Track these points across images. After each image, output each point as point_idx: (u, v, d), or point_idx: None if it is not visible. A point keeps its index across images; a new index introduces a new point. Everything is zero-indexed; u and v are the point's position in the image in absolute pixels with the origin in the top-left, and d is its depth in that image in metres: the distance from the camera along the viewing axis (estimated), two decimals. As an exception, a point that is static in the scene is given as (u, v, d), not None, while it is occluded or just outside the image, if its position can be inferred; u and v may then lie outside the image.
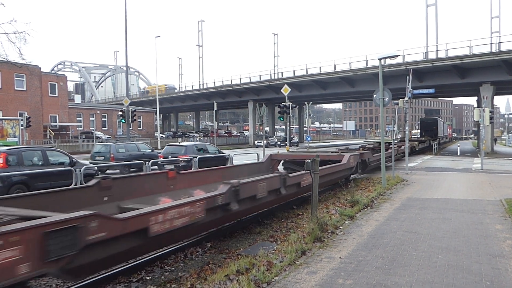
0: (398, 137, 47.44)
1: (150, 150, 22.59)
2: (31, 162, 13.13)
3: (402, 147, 22.89)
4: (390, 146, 23.16)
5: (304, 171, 10.02)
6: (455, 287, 5.00)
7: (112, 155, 19.81)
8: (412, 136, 56.41)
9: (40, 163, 13.23)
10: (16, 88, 38.95)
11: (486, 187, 14.62)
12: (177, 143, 24.42)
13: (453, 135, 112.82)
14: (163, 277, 6.16)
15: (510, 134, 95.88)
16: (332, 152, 17.52)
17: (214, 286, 5.08)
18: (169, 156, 19.15)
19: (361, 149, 23.03)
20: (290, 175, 9.62)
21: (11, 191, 11.24)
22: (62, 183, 11.68)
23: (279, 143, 59.77)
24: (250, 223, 9.40)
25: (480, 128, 25.74)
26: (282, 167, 15.76)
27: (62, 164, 13.74)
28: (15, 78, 38.57)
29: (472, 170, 21.23)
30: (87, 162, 17.55)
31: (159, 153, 21.68)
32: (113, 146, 20.57)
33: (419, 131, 60.90)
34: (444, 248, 6.72)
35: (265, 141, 28.02)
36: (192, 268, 6.50)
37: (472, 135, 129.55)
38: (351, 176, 16.25)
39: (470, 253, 6.45)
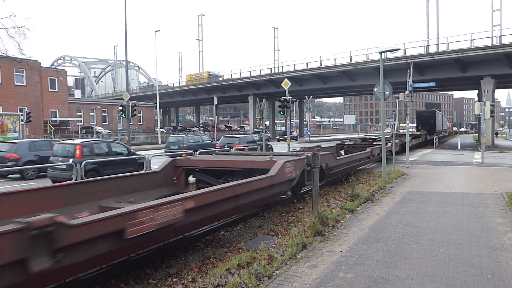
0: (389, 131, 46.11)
1: (210, 141, 28.70)
2: (100, 152, 15.36)
3: (389, 144, 19.62)
4: (374, 143, 21.58)
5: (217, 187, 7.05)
6: (456, 280, 5.01)
7: (185, 145, 24.99)
8: (402, 130, 53.89)
9: (106, 153, 15.54)
10: (16, 83, 38.88)
11: (487, 180, 14.62)
12: (232, 135, 29.04)
13: (454, 128, 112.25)
14: (164, 271, 6.17)
15: (511, 129, 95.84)
16: (258, 157, 10.65)
17: (215, 280, 5.08)
18: (225, 146, 22.87)
19: (337, 146, 21.26)
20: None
21: (87, 176, 12.51)
22: (124, 170, 13.60)
23: (277, 137, 59.03)
24: (251, 217, 9.40)
25: (481, 121, 25.70)
26: (194, 179, 10.47)
27: (121, 154, 15.99)
28: (15, 73, 38.48)
29: (473, 164, 21.22)
30: (138, 152, 19.30)
31: (217, 143, 25.95)
32: (185, 138, 26.37)
33: (414, 124, 57.28)
34: (445, 241, 6.72)
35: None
36: (193, 262, 6.51)
37: (469, 129, 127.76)
38: (296, 191, 11.31)
39: (471, 246, 6.46)
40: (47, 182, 14.63)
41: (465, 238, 6.90)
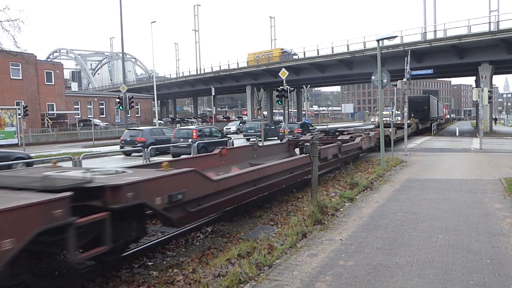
0: (372, 121, 42.87)
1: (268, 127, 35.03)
2: (207, 134, 21.68)
3: (358, 139, 15.93)
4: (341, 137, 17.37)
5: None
6: (455, 266, 5.03)
7: (259, 129, 28.50)
8: (386, 119, 51.68)
9: (210, 135, 21.84)
10: (12, 77, 38.64)
11: (485, 166, 14.66)
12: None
13: (452, 115, 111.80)
14: (165, 262, 6.19)
15: (509, 114, 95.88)
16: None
17: (216, 270, 5.10)
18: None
19: (289, 143, 15.14)
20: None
21: (200, 152, 16.62)
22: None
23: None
24: (251, 206, 9.42)
25: (479, 108, 25.69)
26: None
27: (218, 136, 22.28)
28: (11, 66, 38.22)
29: (471, 150, 21.26)
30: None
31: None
32: (259, 124, 30.41)
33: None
34: (444, 228, 6.75)
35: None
36: (193, 253, 6.53)
37: (465, 116, 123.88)
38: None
39: (470, 232, 6.49)
40: (164, 158, 16.64)
41: (464, 224, 6.93)
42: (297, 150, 14.70)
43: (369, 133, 17.99)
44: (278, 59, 59.05)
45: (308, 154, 8.08)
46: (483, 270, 4.90)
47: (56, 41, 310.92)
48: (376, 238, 6.24)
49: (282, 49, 63.89)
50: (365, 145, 16.52)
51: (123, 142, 22.73)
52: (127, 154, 22.07)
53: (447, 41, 38.30)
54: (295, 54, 58.89)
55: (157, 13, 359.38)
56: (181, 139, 20.09)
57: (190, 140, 19.34)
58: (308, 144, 7.95)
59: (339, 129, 22.34)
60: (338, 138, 17.13)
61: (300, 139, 15.83)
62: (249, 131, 34.44)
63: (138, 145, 21.20)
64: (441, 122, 62.53)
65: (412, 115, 39.51)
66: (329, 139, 16.64)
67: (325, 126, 54.72)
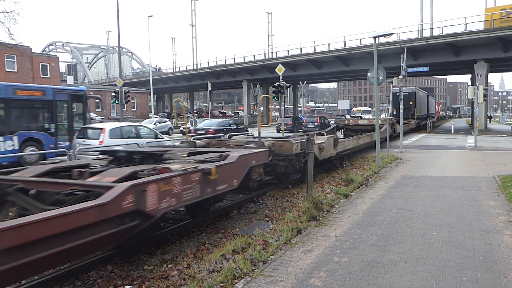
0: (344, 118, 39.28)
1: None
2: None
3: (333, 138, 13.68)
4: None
5: None
6: (449, 263, 5.07)
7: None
8: (356, 116, 50.08)
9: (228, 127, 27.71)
10: (7, 70, 38.39)
11: (480, 164, 14.74)
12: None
13: (448, 113, 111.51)
14: (159, 257, 6.19)
15: (504, 113, 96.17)
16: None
17: (211, 266, 5.11)
18: None
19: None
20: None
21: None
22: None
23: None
24: (246, 202, 9.43)
25: (474, 105, 25.78)
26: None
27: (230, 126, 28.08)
28: (6, 59, 37.99)
29: (466, 148, 21.35)
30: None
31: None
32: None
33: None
34: (438, 224, 6.79)
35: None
36: (188, 248, 6.54)
37: (454, 113, 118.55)
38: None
39: (463, 229, 6.53)
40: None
41: (458, 221, 6.97)
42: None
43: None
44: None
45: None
46: (476, 267, 4.94)
47: (51, 34, 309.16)
48: (371, 235, 6.27)
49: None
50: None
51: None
52: None
53: (443, 39, 38.36)
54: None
55: (154, 7, 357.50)
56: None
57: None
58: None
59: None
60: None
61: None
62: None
63: (206, 134, 24.26)
64: (433, 120, 54.67)
65: (394, 112, 34.40)
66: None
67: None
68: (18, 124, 15.47)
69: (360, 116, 62.99)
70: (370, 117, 47.26)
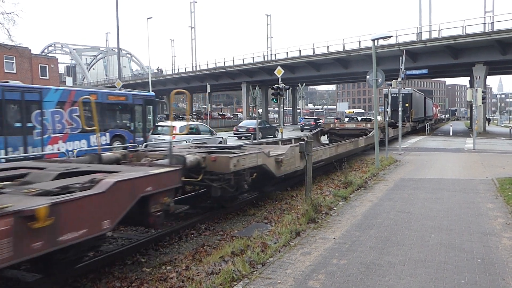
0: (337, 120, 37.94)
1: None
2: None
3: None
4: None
5: None
6: (447, 265, 5.08)
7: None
8: (347, 119, 46.43)
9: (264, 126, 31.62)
10: (6, 71, 38.41)
11: (478, 166, 14.76)
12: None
13: (446, 115, 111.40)
14: (158, 259, 6.18)
15: (502, 115, 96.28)
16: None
17: (209, 268, 5.11)
18: None
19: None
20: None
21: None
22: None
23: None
24: (245, 204, 9.43)
25: (473, 108, 25.82)
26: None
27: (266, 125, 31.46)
28: (5, 60, 38.01)
29: (465, 150, 21.38)
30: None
31: None
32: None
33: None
34: (437, 227, 6.80)
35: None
36: (187, 250, 6.53)
37: (448, 115, 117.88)
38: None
39: (462, 231, 6.54)
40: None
41: (456, 224, 6.98)
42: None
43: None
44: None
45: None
46: (474, 270, 4.94)
47: (51, 35, 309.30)
48: (369, 237, 6.27)
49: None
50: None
51: None
52: None
53: (442, 41, 38.44)
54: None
55: (153, 9, 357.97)
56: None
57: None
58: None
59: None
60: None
61: None
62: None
63: (247, 133, 28.70)
64: (431, 123, 52.28)
65: (390, 115, 30.21)
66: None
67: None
68: (109, 123, 18.51)
69: (355, 117, 58.12)
70: (359, 119, 45.51)
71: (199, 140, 17.48)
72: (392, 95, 27.03)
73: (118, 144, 17.95)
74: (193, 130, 19.24)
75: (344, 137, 20.54)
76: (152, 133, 19.51)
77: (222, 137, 20.75)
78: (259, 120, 31.70)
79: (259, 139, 21.42)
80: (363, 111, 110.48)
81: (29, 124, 15.24)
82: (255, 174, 8.72)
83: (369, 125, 22.24)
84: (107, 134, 18.13)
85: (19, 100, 15.12)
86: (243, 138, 28.52)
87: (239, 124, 34.91)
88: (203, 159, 7.54)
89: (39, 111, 15.56)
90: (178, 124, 19.46)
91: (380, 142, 17.64)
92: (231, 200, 8.80)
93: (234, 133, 30.58)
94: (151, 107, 21.40)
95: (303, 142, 9.53)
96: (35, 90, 16.18)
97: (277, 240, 6.06)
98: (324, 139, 22.26)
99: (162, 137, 18.33)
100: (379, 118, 33.30)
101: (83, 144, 16.93)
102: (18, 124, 15.06)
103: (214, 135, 20.32)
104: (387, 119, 21.36)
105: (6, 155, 14.07)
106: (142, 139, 19.68)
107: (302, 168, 10.16)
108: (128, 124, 19.58)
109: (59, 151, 15.37)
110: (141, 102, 20.52)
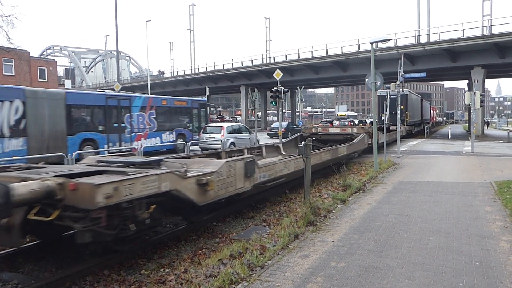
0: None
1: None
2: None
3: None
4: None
5: None
6: (446, 268, 5.08)
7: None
8: (338, 122, 43.74)
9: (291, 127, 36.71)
10: (4, 73, 38.30)
11: (477, 170, 14.78)
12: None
13: (444, 118, 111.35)
14: (156, 262, 6.18)
15: (501, 118, 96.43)
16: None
17: (208, 270, 5.11)
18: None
19: None
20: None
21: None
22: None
23: None
24: (243, 207, 9.43)
25: (471, 111, 25.85)
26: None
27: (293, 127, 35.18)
28: (3, 63, 37.91)
29: (463, 153, 21.42)
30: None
31: None
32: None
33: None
34: (435, 230, 6.81)
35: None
36: (185, 253, 6.53)
37: (445, 118, 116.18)
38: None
39: (460, 234, 6.55)
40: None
41: (454, 227, 6.99)
42: None
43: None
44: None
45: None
46: (472, 273, 4.95)
47: (50, 38, 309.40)
48: (368, 240, 6.28)
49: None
50: None
51: None
52: None
53: (441, 45, 38.55)
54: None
55: (152, 12, 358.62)
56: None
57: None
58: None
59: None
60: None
61: None
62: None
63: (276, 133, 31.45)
64: (428, 126, 49.96)
65: (383, 117, 23.52)
66: None
67: None
68: (175, 124, 22.47)
69: (350, 120, 56.06)
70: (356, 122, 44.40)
71: (242, 138, 22.55)
72: (391, 96, 23.11)
73: (181, 141, 21.99)
74: (239, 130, 23.57)
75: (327, 143, 17.77)
76: (203, 132, 22.99)
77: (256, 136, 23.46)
78: (288, 122, 41.11)
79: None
80: (355, 114, 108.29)
81: (123, 125, 19.13)
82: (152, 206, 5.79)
83: (355, 130, 20.62)
84: (174, 133, 22.11)
85: (116, 106, 18.90)
86: (274, 137, 32.29)
87: (272, 125, 42.03)
88: (59, 187, 4.97)
89: (129, 114, 19.41)
90: (225, 125, 23.43)
91: (357, 153, 17.24)
92: (130, 241, 5.88)
93: (268, 133, 36.03)
94: (203, 110, 25.09)
95: (250, 156, 8.54)
96: (126, 97, 20.21)
97: (276, 243, 6.06)
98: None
99: (212, 135, 21.96)
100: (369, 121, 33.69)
101: (157, 141, 21.06)
102: (115, 125, 18.80)
103: (252, 134, 23.88)
104: (386, 122, 20.34)
105: (108, 149, 17.73)
106: (197, 137, 23.22)
107: (250, 188, 8.04)
108: (188, 125, 23.44)
109: (141, 146, 18.69)
110: (197, 105, 24.43)
